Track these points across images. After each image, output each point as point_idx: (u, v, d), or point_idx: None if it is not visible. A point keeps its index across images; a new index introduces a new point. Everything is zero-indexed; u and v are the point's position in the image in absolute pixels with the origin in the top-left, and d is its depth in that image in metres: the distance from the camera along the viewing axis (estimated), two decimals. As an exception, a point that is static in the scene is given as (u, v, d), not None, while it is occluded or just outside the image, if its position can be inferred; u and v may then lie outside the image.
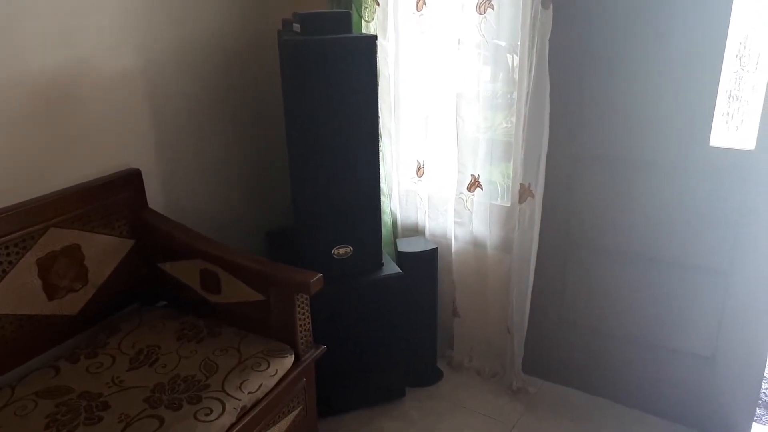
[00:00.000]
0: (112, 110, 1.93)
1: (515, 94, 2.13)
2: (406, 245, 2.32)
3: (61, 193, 1.77)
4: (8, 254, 1.62)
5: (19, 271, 1.65)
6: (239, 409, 1.55)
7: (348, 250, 2.11)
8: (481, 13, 2.06)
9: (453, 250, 2.38)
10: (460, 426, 2.22)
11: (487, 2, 2.04)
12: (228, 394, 1.57)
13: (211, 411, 1.51)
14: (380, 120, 2.18)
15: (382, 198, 2.26)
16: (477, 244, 2.36)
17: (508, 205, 2.28)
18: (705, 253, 1.97)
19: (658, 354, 2.15)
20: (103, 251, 1.87)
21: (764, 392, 2.33)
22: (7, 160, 1.67)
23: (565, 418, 2.23)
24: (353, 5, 2.16)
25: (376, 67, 1.98)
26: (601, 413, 2.25)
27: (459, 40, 2.12)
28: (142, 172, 1.99)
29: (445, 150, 2.34)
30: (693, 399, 2.12)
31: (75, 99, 1.82)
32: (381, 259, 2.19)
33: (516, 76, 2.12)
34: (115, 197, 1.90)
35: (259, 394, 1.63)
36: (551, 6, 1.90)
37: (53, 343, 1.77)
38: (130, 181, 1.96)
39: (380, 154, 2.15)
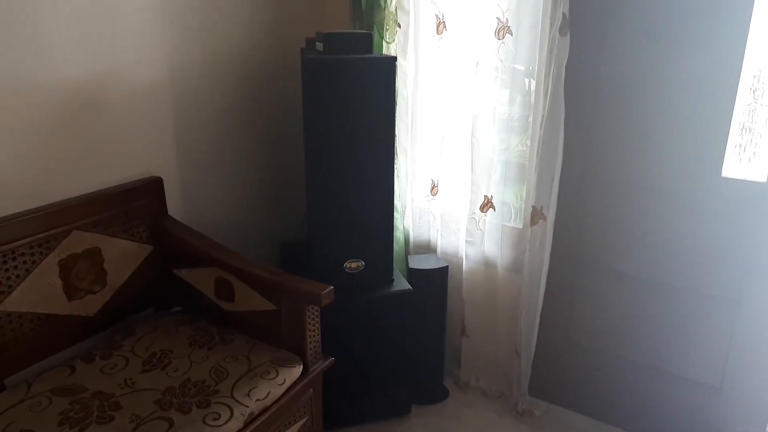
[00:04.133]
0: (137, 119, 2.00)
1: (531, 117, 2.17)
2: (417, 262, 2.35)
3: (85, 197, 1.83)
4: (32, 254, 1.68)
5: (42, 271, 1.70)
6: (246, 416, 1.58)
7: (360, 264, 2.15)
8: (499, 38, 2.11)
9: (464, 269, 2.41)
10: (464, 445, 2.23)
11: (506, 28, 2.09)
12: (236, 401, 1.60)
13: (220, 416, 1.54)
14: (397, 138, 2.22)
15: (396, 215, 2.30)
16: (488, 264, 2.38)
17: (520, 226, 2.31)
18: (715, 282, 1.98)
19: (665, 381, 2.15)
20: (122, 255, 1.92)
21: (773, 426, 2.31)
22: (35, 164, 1.73)
23: (570, 442, 2.24)
24: (375, 27, 2.22)
25: (394, 87, 2.03)
26: (606, 439, 2.25)
27: (477, 63, 2.16)
28: (164, 181, 2.05)
29: (459, 170, 2.37)
30: (699, 429, 2.11)
31: (102, 107, 1.88)
32: (392, 275, 2.22)
33: (533, 99, 2.16)
34: (136, 204, 1.96)
35: (267, 402, 1.66)
36: (568, 33, 1.94)
37: (70, 342, 1.82)
38: (152, 188, 2.02)
39: (395, 171, 2.19)
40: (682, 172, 1.96)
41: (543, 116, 2.04)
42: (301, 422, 1.84)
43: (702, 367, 2.07)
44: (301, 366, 1.79)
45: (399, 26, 2.27)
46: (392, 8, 2.21)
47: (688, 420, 2.13)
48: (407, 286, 2.21)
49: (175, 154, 2.15)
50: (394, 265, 2.24)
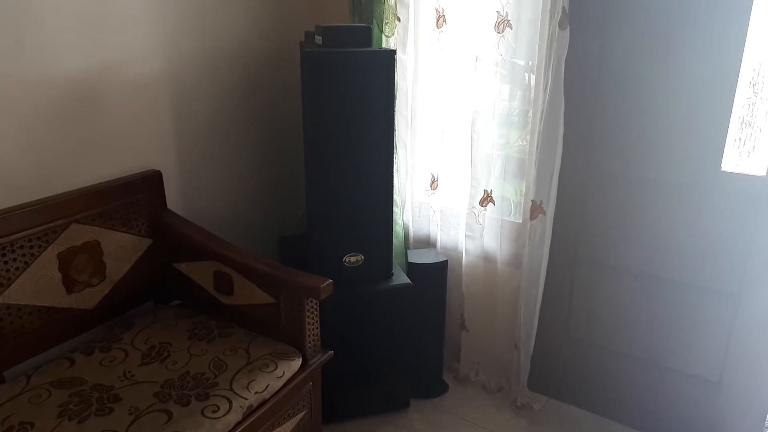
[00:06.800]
0: (137, 113, 2.00)
1: (531, 112, 2.16)
2: (416, 257, 2.35)
3: (84, 190, 1.83)
4: (31, 247, 1.68)
5: (41, 264, 1.70)
6: (245, 408, 1.59)
7: (359, 258, 2.15)
8: (499, 32, 2.10)
9: (463, 263, 2.41)
10: (463, 439, 2.23)
11: (506, 21, 2.08)
12: (235, 393, 1.60)
13: (218, 408, 1.54)
14: (396, 132, 2.22)
15: (395, 209, 2.29)
16: (487, 259, 2.38)
17: (520, 221, 2.30)
18: (714, 276, 1.98)
19: (664, 376, 2.15)
20: (121, 249, 1.92)
21: (771, 420, 2.31)
22: (35, 157, 1.73)
23: (569, 437, 2.24)
24: (374, 20, 2.21)
25: (393, 81, 2.03)
26: (605, 433, 2.25)
27: (477, 57, 2.16)
28: (163, 174, 2.05)
29: (459, 164, 2.37)
30: (698, 424, 2.12)
31: (101, 101, 1.88)
32: (391, 269, 2.22)
33: (533, 95, 2.15)
34: (136, 197, 1.96)
35: (266, 394, 1.66)
36: (568, 27, 1.93)
37: (69, 335, 1.82)
38: (151, 182, 2.02)
39: (395, 165, 2.19)
40: (681, 166, 1.95)
41: (542, 110, 2.04)
42: (300, 415, 1.85)
43: (701, 362, 2.07)
44: (300, 359, 1.80)
45: (398, 20, 2.26)
46: (392, 2, 2.21)
47: (687, 414, 2.13)
48: (406, 280, 2.21)
49: (174, 147, 2.15)
50: (393, 259, 2.24)
